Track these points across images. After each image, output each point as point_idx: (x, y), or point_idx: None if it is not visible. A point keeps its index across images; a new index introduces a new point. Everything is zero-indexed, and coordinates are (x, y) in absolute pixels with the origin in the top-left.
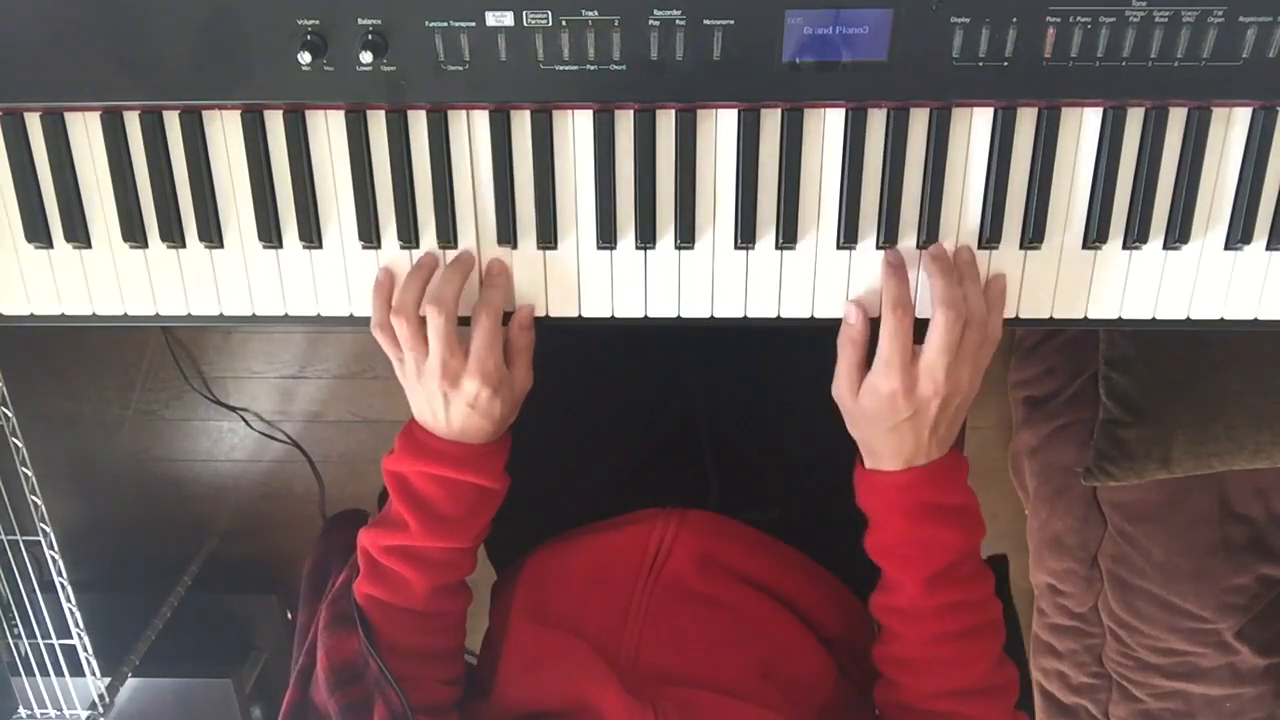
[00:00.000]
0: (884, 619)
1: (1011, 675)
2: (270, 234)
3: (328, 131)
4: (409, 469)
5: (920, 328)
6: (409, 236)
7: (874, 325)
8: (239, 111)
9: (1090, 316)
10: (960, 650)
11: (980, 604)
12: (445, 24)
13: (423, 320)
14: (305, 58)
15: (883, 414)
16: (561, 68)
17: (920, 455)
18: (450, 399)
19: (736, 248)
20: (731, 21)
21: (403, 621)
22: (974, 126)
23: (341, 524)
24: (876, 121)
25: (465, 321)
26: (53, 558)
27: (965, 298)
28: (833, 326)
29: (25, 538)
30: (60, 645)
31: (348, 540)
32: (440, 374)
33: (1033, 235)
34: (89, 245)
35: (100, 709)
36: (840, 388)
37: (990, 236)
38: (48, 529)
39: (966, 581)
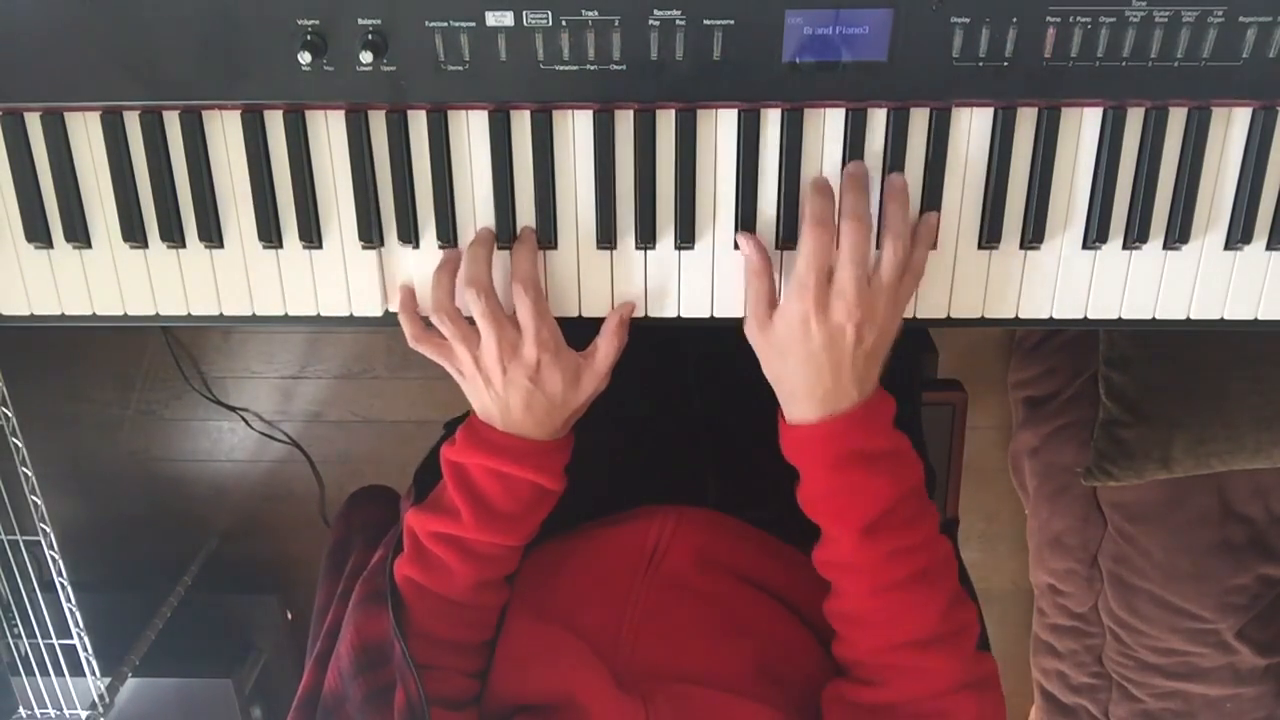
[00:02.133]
0: (826, 574)
1: (967, 616)
2: (270, 234)
3: (328, 131)
4: (470, 460)
5: None
6: (409, 236)
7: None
8: (239, 111)
9: (1090, 316)
10: (906, 598)
11: (922, 546)
12: (445, 24)
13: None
14: (305, 58)
15: (795, 340)
16: (561, 68)
17: (839, 397)
18: (511, 376)
19: (736, 248)
20: (731, 21)
21: (438, 609)
22: (974, 126)
23: (361, 502)
24: (876, 121)
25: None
26: (53, 558)
27: (886, 216)
28: None
29: (25, 538)
30: (60, 645)
31: (370, 519)
32: (496, 350)
33: (1033, 235)
34: (89, 245)
35: (100, 709)
36: (750, 324)
37: (990, 236)
38: (48, 529)
39: (905, 526)
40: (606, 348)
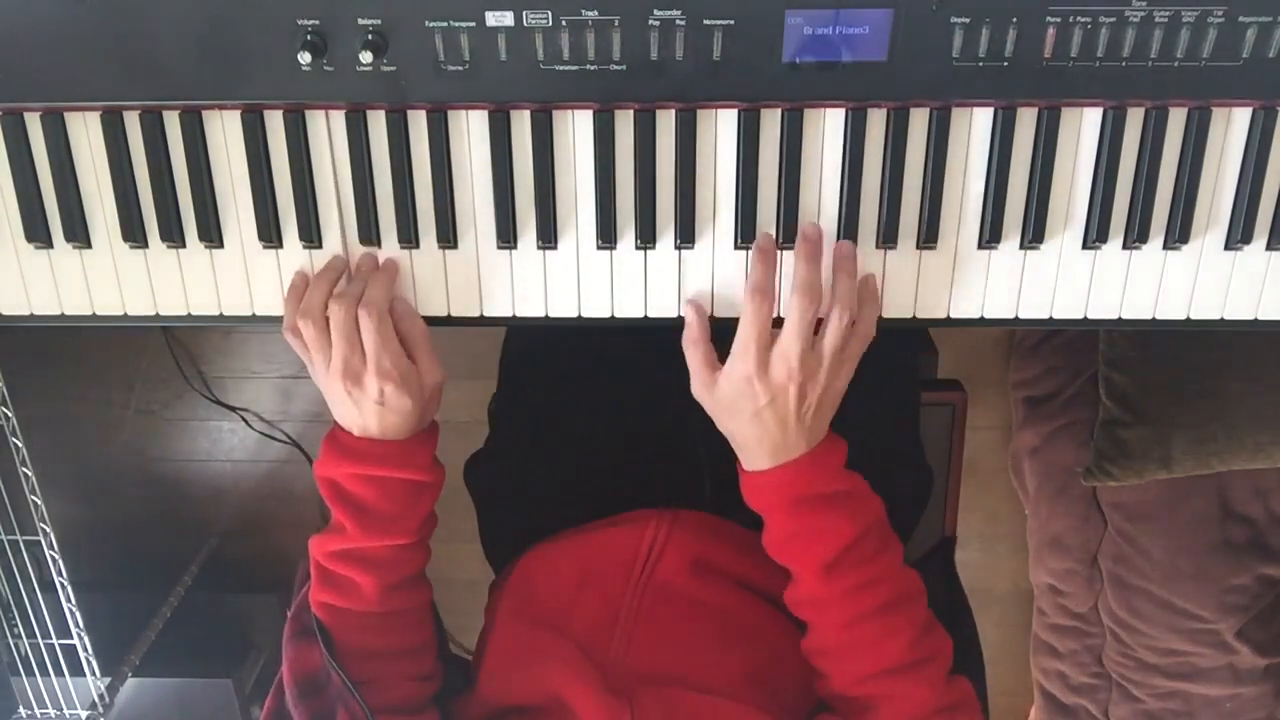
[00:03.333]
0: (797, 613)
1: (938, 645)
2: (270, 234)
3: (328, 131)
4: (337, 472)
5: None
6: (409, 236)
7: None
8: (239, 111)
9: (1090, 316)
10: (874, 628)
11: (885, 579)
12: (445, 24)
13: (328, 322)
14: (305, 58)
15: (741, 400)
16: (561, 68)
17: (789, 448)
18: (357, 398)
19: (736, 248)
20: (731, 21)
21: (361, 624)
22: (974, 126)
23: None
24: (876, 121)
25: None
26: (53, 558)
27: (835, 287)
28: None
29: (25, 538)
30: (60, 645)
31: None
32: (343, 374)
33: (1033, 235)
34: (89, 245)
35: (100, 709)
36: (695, 386)
37: (990, 236)
38: (48, 529)
39: (866, 562)
40: (421, 351)
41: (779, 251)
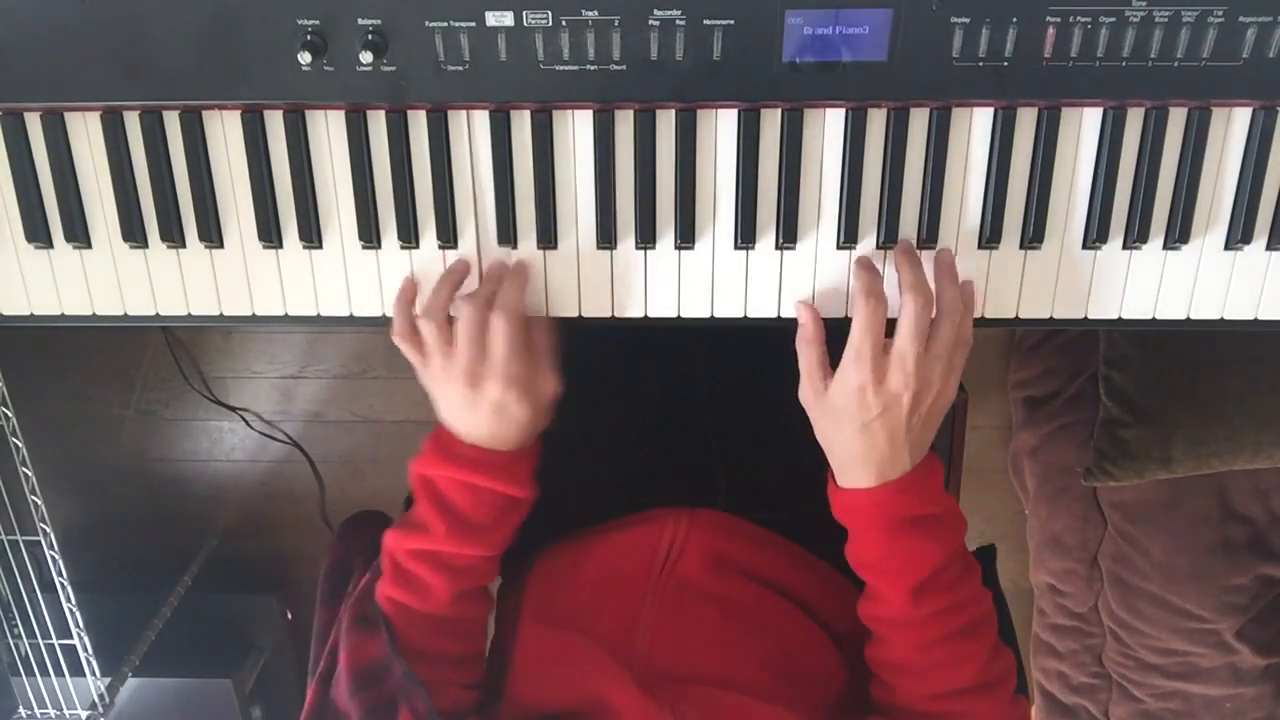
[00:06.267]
0: (873, 627)
1: (1007, 664)
2: (270, 234)
3: (328, 131)
4: (437, 473)
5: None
6: (409, 236)
7: (833, 326)
8: (239, 111)
9: (1090, 316)
10: (952, 651)
11: (968, 603)
12: (445, 24)
13: (451, 323)
14: (305, 58)
15: (852, 410)
16: (561, 68)
17: (894, 465)
18: (476, 403)
19: (736, 248)
20: (731, 21)
21: (424, 625)
22: (974, 126)
23: (359, 525)
24: (876, 121)
25: None
26: (53, 558)
27: (940, 293)
28: (835, 326)
29: (25, 538)
30: (60, 645)
31: (370, 541)
32: (465, 377)
33: (1033, 235)
34: (89, 245)
35: (100, 709)
36: (805, 390)
37: (990, 236)
38: (48, 529)
39: (953, 586)
40: (542, 368)
41: (780, 252)
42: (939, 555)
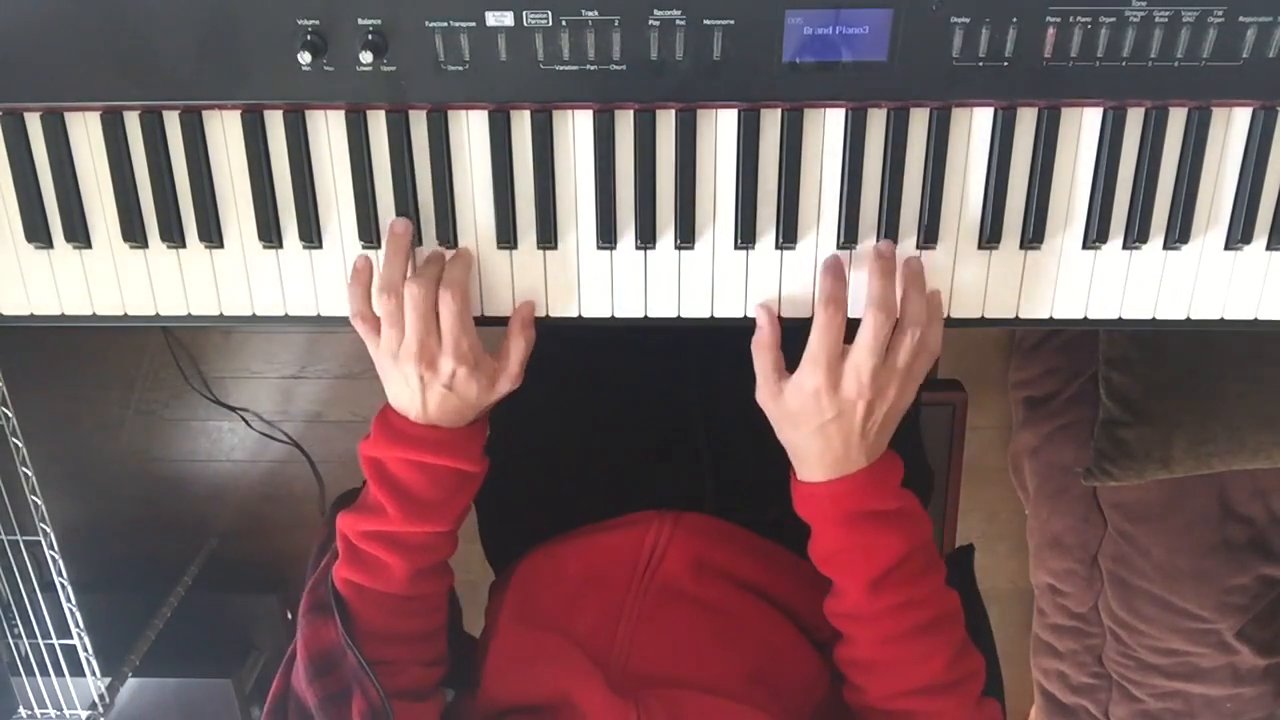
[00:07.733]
0: (836, 624)
1: (974, 665)
2: (270, 234)
3: (328, 131)
4: (386, 454)
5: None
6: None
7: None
8: (239, 111)
9: (1090, 316)
10: (914, 648)
11: (929, 599)
12: (445, 24)
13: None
14: (305, 58)
15: (808, 413)
16: (561, 68)
17: (848, 463)
18: (426, 380)
19: (736, 248)
20: (731, 21)
21: (383, 605)
22: (974, 126)
23: (347, 502)
24: (876, 121)
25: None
26: (53, 558)
27: (905, 304)
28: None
29: (25, 538)
30: (60, 645)
31: None
32: (417, 353)
33: (1033, 235)
34: (89, 245)
35: (100, 709)
36: (761, 393)
37: (990, 236)
38: (48, 529)
39: (912, 580)
40: (516, 351)
41: (779, 252)
42: (896, 549)
